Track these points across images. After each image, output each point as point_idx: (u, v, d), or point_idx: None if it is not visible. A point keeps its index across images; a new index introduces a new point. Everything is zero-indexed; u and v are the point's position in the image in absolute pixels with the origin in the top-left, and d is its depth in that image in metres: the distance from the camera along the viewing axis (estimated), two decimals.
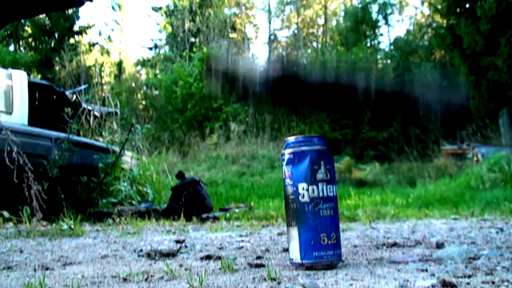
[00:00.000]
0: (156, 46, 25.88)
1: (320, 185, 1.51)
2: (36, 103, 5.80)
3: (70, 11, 19.03)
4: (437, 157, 13.95)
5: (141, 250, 2.31)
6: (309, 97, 1.61)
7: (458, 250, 1.86)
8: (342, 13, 24.94)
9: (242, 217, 4.43)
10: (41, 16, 17.64)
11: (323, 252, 1.51)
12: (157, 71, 23.17)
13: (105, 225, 4.00)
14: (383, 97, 1.57)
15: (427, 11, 23.67)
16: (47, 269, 1.81)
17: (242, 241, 2.56)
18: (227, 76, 1.64)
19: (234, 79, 1.63)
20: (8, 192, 3.82)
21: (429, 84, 1.67)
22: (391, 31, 32.47)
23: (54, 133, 4.83)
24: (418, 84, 1.66)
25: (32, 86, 5.64)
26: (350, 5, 24.23)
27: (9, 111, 5.03)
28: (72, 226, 3.45)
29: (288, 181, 1.54)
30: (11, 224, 3.79)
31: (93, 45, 22.49)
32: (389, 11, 23.62)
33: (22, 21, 18.29)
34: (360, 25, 22.24)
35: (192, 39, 22.66)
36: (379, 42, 23.61)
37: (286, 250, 1.75)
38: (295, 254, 1.53)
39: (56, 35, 20.11)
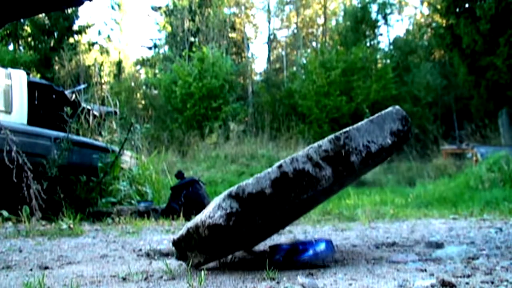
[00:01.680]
0: (155, 46, 25.84)
1: None
2: (36, 102, 5.78)
3: (69, 10, 19.00)
4: (436, 157, 13.95)
5: (141, 250, 2.31)
6: None
7: (457, 250, 1.86)
8: (342, 13, 24.90)
9: None
10: (40, 15, 17.61)
11: None
12: (157, 71, 23.14)
13: (105, 225, 4.00)
14: None
15: (426, 11, 23.68)
16: (46, 268, 1.81)
17: None
18: None
19: None
20: (7, 191, 3.81)
21: None
22: (390, 31, 32.47)
23: (53, 133, 4.82)
24: None
25: (31, 85, 5.62)
26: (349, 5, 24.20)
27: (8, 111, 5.02)
28: (72, 226, 3.45)
29: None
30: (10, 223, 3.78)
31: (93, 44, 22.45)
32: (388, 11, 23.59)
33: (22, 20, 18.27)
34: (360, 25, 22.21)
35: (192, 39, 22.62)
36: (378, 42, 23.58)
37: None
38: None
39: (56, 34, 20.07)
